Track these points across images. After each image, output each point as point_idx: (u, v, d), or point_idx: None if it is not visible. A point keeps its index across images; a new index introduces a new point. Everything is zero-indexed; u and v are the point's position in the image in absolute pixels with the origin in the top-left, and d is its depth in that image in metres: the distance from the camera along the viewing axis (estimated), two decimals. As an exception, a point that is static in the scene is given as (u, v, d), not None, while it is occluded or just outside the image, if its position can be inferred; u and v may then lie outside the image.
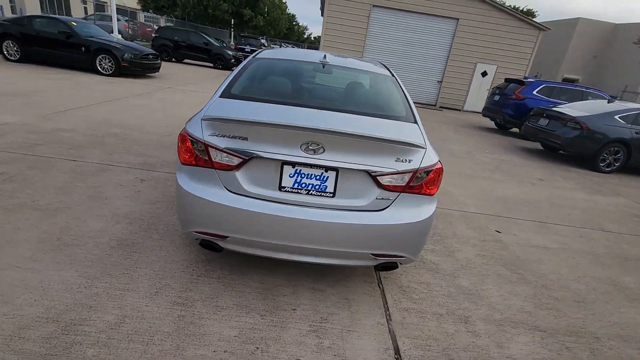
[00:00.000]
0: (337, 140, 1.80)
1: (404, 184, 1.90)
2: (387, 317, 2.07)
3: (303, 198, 1.88)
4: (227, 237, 1.91)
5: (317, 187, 1.87)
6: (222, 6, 24.16)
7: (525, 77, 10.37)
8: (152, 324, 1.78)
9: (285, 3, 34.74)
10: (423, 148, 1.92)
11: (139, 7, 32.40)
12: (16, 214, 2.56)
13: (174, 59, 16.74)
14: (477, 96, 14.75)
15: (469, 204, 4.07)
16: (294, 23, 47.67)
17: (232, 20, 26.67)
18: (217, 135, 1.84)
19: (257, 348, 1.73)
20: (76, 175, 3.32)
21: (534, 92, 9.10)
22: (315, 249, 1.91)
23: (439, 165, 1.99)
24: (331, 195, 1.88)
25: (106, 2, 38.47)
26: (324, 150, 1.82)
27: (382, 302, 2.19)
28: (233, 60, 16.60)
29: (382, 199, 1.90)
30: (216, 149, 1.83)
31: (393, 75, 2.84)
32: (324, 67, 2.79)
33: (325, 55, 2.81)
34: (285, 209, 1.85)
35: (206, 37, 16.69)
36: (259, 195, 1.87)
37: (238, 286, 2.14)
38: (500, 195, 4.55)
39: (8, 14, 24.66)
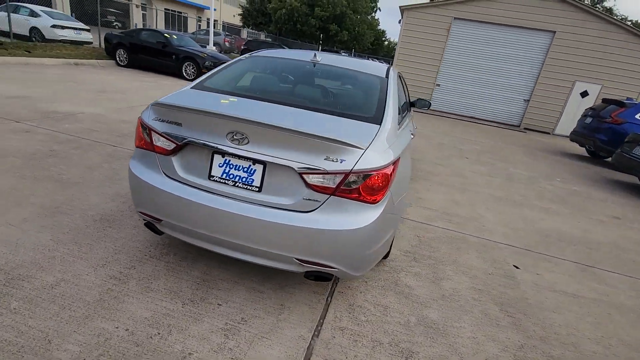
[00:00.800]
0: (261, 132, 1.72)
1: (334, 186, 1.71)
2: (315, 333, 1.87)
3: (230, 190, 1.82)
4: (162, 220, 1.95)
5: (243, 179, 1.80)
6: (310, 21, 25.40)
7: (627, 99, 8.71)
8: (80, 292, 1.89)
9: (377, 19, 35.15)
10: (360, 149, 1.71)
11: (241, 23, 36.00)
12: (40, 183, 2.99)
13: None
14: (573, 119, 12.85)
15: (496, 232, 3.51)
16: (384, 39, 47.83)
17: (320, 35, 27.84)
18: (158, 120, 1.91)
19: (158, 334, 1.71)
20: (108, 158, 3.75)
21: (636, 116, 7.57)
22: (241, 245, 1.83)
23: (385, 170, 1.76)
24: (257, 189, 1.79)
25: (217, 20, 43.32)
26: (248, 141, 1.74)
27: (319, 316, 1.99)
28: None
29: (310, 199, 1.75)
30: (156, 132, 1.90)
31: (386, 77, 2.64)
32: (315, 66, 2.73)
33: (315, 54, 2.74)
34: (212, 198, 1.81)
35: (286, 48, 17.69)
36: (191, 182, 1.88)
37: (180, 273, 2.16)
38: (544, 228, 3.84)
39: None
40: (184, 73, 10.70)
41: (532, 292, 2.58)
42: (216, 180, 1.83)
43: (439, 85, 14.23)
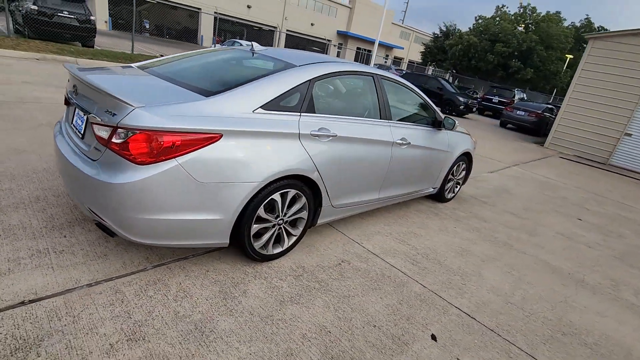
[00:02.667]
0: (84, 87, 1.96)
1: (106, 138, 1.77)
2: (92, 284, 1.92)
3: (74, 137, 2.12)
4: None
5: (78, 127, 2.07)
6: (488, 58, 23.49)
7: None
8: None
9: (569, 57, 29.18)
10: (131, 106, 1.71)
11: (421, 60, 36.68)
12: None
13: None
14: None
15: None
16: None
17: (500, 71, 25.33)
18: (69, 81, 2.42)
19: (-1, 235, 2.15)
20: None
21: None
22: (73, 190, 2.07)
23: (157, 133, 1.71)
24: (81, 136, 2.02)
25: (403, 58, 45.48)
26: (77, 93, 2.01)
27: (116, 275, 2.01)
28: (462, 107, 15.97)
29: (97, 149, 1.86)
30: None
31: (301, 67, 2.41)
32: (253, 55, 2.77)
33: (253, 44, 2.79)
34: (63, 143, 2.15)
35: (443, 83, 16.96)
36: (63, 131, 2.28)
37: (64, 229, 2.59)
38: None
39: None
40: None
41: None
42: (72, 129, 2.17)
43: (629, 134, 10.66)
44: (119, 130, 1.72)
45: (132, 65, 2.68)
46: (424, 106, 3.57)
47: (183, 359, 1.59)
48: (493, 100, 19.69)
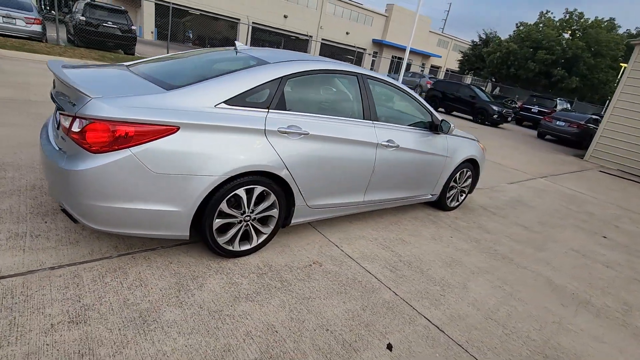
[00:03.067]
0: (59, 82, 2.08)
1: (67, 127, 1.86)
2: (54, 267, 2.01)
3: (52, 131, 2.24)
4: None
5: (56, 120, 2.19)
6: (529, 65, 22.33)
7: None
8: None
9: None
10: (88, 96, 1.78)
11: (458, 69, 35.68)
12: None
13: (441, 109, 17.60)
14: None
15: (446, 308, 2.33)
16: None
17: (542, 80, 23.99)
18: None
19: (-14, 218, 2.31)
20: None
21: None
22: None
23: (111, 122, 1.77)
24: (57, 127, 2.14)
25: (440, 66, 44.54)
26: (54, 87, 2.14)
27: (85, 260, 2.10)
28: (496, 116, 15.28)
29: (62, 138, 1.95)
30: None
31: (273, 63, 2.41)
32: (236, 53, 2.82)
33: (237, 43, 2.84)
34: (44, 135, 2.28)
35: (476, 90, 16.34)
36: (48, 124, 2.42)
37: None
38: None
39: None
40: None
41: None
42: (54, 120, 2.31)
43: (683, 148, 9.64)
44: (77, 119, 1.80)
45: (124, 64, 2.81)
46: (418, 109, 3.45)
47: (117, 345, 1.61)
48: (532, 110, 18.67)
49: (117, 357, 1.56)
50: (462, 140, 3.88)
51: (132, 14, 27.36)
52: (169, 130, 1.90)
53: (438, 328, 2.16)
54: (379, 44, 40.86)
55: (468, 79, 31.90)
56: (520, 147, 11.08)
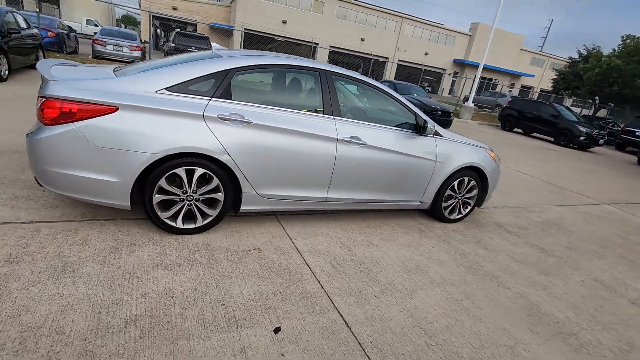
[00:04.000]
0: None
1: (36, 107, 2.28)
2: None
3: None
4: None
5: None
6: (637, 83, 19.06)
7: None
8: None
9: None
10: (48, 80, 2.18)
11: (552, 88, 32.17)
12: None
13: (518, 130, 16.04)
14: None
15: (370, 308, 2.17)
16: None
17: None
18: None
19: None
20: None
21: None
22: None
23: (57, 100, 2.14)
24: (48, 111, 2.62)
25: (533, 86, 40.96)
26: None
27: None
28: (583, 137, 13.34)
29: (37, 117, 2.39)
30: None
31: (224, 57, 2.62)
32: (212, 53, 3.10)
33: (213, 44, 3.10)
34: None
35: (559, 109, 14.53)
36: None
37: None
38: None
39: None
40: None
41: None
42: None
43: None
44: (39, 98, 2.22)
45: (120, 66, 3.32)
46: (399, 109, 3.31)
47: (29, 282, 1.90)
48: (637, 133, 15.83)
49: (23, 291, 1.83)
50: (460, 145, 3.58)
51: (224, 42, 30.92)
52: (109, 109, 2.21)
53: (346, 324, 2.04)
54: (461, 64, 39.12)
55: (569, 102, 28.46)
56: (603, 171, 9.49)
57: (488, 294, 2.62)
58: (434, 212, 3.71)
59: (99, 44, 12.50)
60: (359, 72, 3.29)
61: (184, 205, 2.55)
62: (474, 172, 3.70)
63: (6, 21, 7.26)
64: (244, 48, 31.40)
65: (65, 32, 12.63)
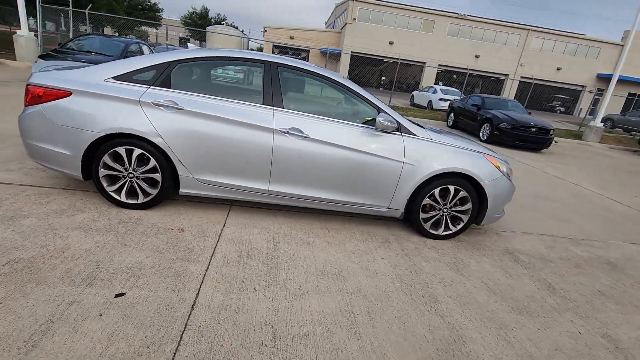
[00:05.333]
0: None
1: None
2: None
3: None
4: None
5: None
6: None
7: None
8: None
9: None
10: (33, 72, 2.78)
11: None
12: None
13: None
14: None
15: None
16: None
17: None
18: None
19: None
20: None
21: None
22: None
23: (31, 86, 2.71)
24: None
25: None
26: None
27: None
28: None
29: (37, 103, 3.04)
30: None
31: (170, 51, 2.86)
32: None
33: (189, 44, 3.40)
34: None
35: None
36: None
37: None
38: None
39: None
40: (480, 134, 10.41)
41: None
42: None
43: None
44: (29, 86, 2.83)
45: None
46: (360, 103, 3.03)
47: (12, 241, 2.42)
48: None
49: (-32, 228, 2.35)
50: (440, 147, 3.05)
51: (331, 66, 32.74)
52: (65, 94, 2.68)
53: (192, 306, 1.97)
54: (607, 79, 32.48)
55: None
56: None
57: (402, 316, 2.15)
58: (413, 223, 3.22)
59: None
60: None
61: (126, 181, 2.86)
62: (466, 181, 3.09)
63: (131, 51, 9.30)
64: (351, 70, 32.65)
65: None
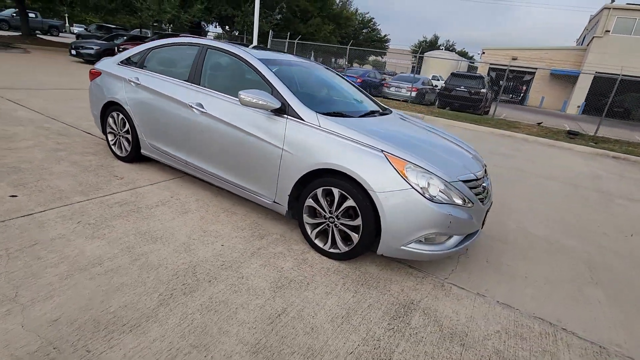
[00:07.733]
0: None
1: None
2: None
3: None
4: None
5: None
6: None
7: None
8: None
9: None
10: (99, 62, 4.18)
11: None
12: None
13: None
14: None
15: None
16: None
17: None
18: None
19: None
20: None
21: None
22: None
23: (94, 70, 4.10)
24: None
25: None
26: None
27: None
28: None
29: (113, 83, 4.49)
30: None
31: (154, 40, 3.60)
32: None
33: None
34: None
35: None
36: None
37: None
38: None
39: None
40: None
41: None
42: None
43: None
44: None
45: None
46: (260, 83, 2.80)
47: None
48: None
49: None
50: (328, 137, 2.40)
51: (562, 93, 26.68)
52: (99, 74, 3.91)
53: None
54: None
55: None
56: None
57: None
58: (297, 222, 2.67)
59: (385, 87, 15.40)
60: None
61: (116, 138, 3.83)
62: (354, 187, 2.31)
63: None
64: (592, 95, 25.45)
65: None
